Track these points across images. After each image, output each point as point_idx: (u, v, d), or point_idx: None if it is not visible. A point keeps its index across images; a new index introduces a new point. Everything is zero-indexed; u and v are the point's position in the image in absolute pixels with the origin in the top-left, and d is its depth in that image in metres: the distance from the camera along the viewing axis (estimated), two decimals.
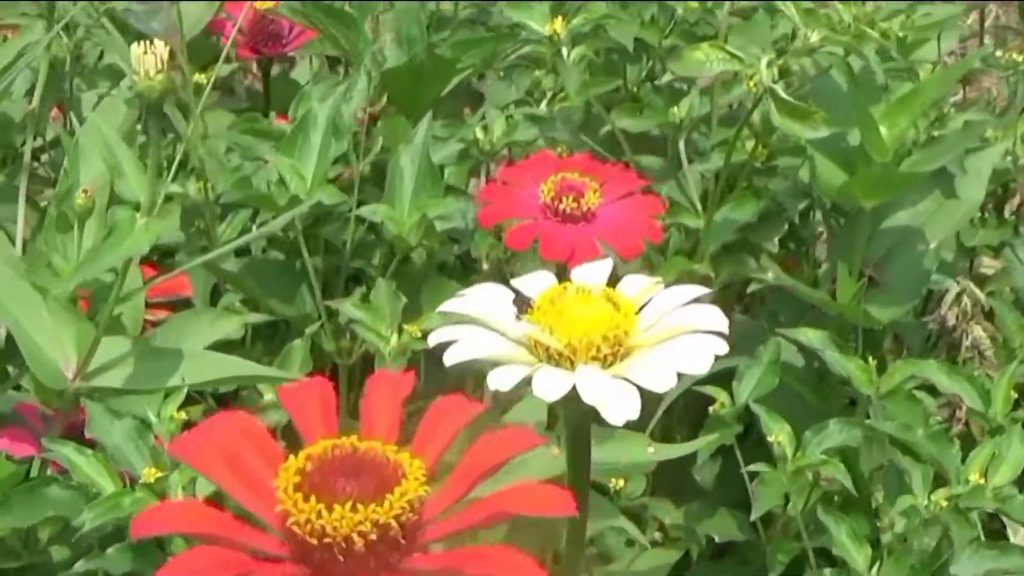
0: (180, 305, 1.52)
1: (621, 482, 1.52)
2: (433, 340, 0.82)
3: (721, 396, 1.45)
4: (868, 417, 1.45)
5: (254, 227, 1.54)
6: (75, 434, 1.17)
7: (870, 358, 1.46)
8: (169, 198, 1.53)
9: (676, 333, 0.83)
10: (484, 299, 0.86)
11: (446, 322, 0.83)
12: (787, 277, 1.62)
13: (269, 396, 1.29)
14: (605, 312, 0.83)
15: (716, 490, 1.69)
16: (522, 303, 0.84)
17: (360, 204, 1.52)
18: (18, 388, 1.26)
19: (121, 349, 1.22)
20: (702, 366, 0.80)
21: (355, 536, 0.65)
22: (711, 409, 1.45)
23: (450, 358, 0.81)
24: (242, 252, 1.59)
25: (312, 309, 1.46)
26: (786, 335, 1.52)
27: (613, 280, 0.88)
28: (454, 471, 0.68)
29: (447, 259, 1.60)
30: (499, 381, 0.78)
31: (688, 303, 0.85)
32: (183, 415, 1.15)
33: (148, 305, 1.50)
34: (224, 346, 1.45)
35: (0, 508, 1.09)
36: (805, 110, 1.43)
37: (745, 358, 1.47)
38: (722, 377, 1.42)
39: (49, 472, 1.21)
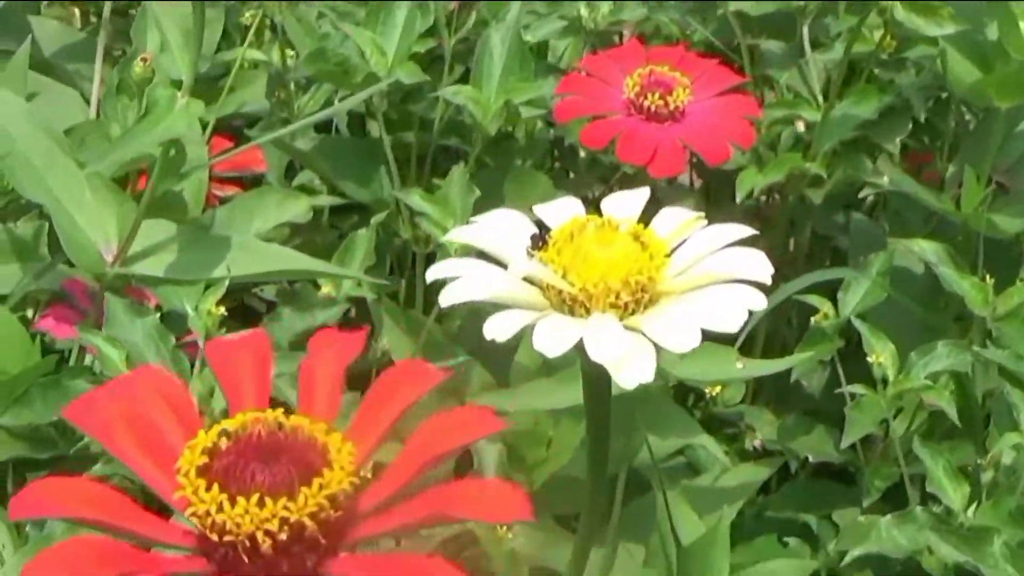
0: (253, 183, 1.43)
1: (717, 388, 1.42)
2: (431, 276, 0.72)
3: (825, 306, 1.34)
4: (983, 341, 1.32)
5: (336, 101, 1.43)
6: None
7: (987, 276, 1.33)
8: (254, 65, 1.44)
9: (710, 281, 0.72)
10: (500, 228, 0.76)
11: (448, 255, 0.73)
12: (907, 179, 1.48)
13: (326, 290, 1.20)
14: (630, 253, 0.72)
15: (822, 401, 1.57)
16: (539, 237, 0.73)
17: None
18: (70, 264, 1.18)
19: (166, 233, 1.14)
20: (733, 323, 0.69)
21: (260, 535, 0.56)
22: (813, 320, 1.34)
23: (446, 298, 0.71)
24: (324, 128, 1.49)
25: (390, 195, 1.37)
26: (900, 244, 1.39)
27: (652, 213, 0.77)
28: (396, 458, 0.59)
29: (540, 147, 1.49)
30: (496, 329, 0.68)
31: (729, 245, 0.74)
32: (222, 310, 1.06)
33: (221, 180, 1.42)
34: (294, 229, 1.37)
35: (21, 401, 1.03)
36: (931, 5, 1.29)
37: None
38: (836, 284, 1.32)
39: (88, 360, 1.14)
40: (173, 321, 1.09)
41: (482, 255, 0.74)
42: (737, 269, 0.71)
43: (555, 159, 1.56)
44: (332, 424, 0.58)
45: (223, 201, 1.35)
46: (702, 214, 0.76)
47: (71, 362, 1.13)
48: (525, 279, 0.72)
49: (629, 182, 1.31)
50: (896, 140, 1.51)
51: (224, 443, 0.58)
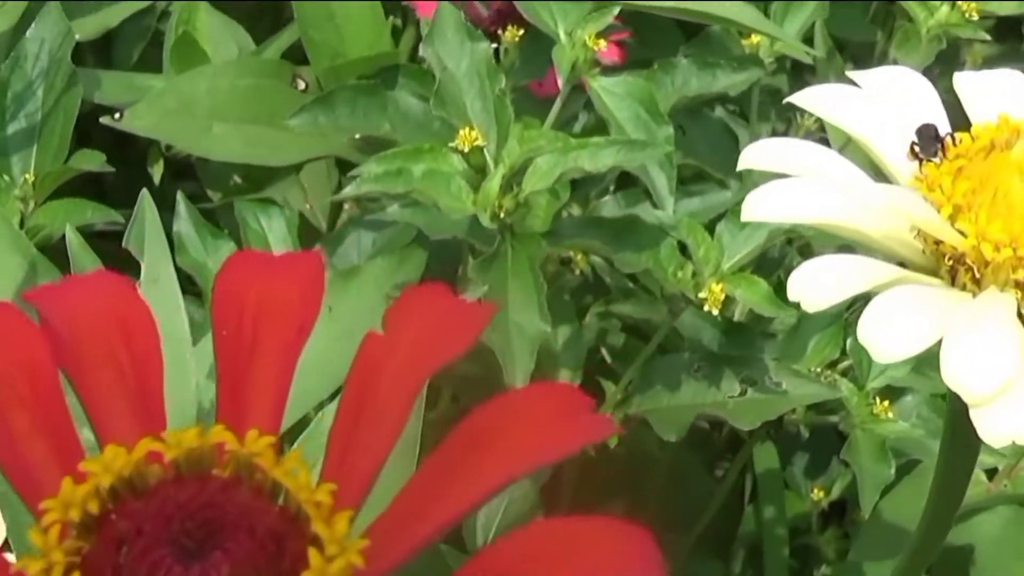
0: None
1: None
2: (745, 163, 0.44)
3: None
4: None
5: None
6: None
7: None
8: None
9: None
10: (878, 96, 0.46)
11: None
12: None
13: None
14: None
15: None
16: (933, 135, 0.43)
17: None
18: None
19: None
20: None
21: None
22: None
23: (749, 211, 0.42)
24: None
25: None
26: None
27: None
28: (415, 480, 0.32)
29: None
30: (806, 289, 0.40)
31: None
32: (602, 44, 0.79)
33: None
34: None
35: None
36: None
37: None
38: None
39: None
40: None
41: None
42: None
43: None
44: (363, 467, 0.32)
45: None
46: None
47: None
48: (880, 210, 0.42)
49: None
50: None
51: (105, 507, 0.31)
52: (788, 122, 0.94)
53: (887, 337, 0.39)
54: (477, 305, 0.34)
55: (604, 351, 0.90)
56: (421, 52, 0.72)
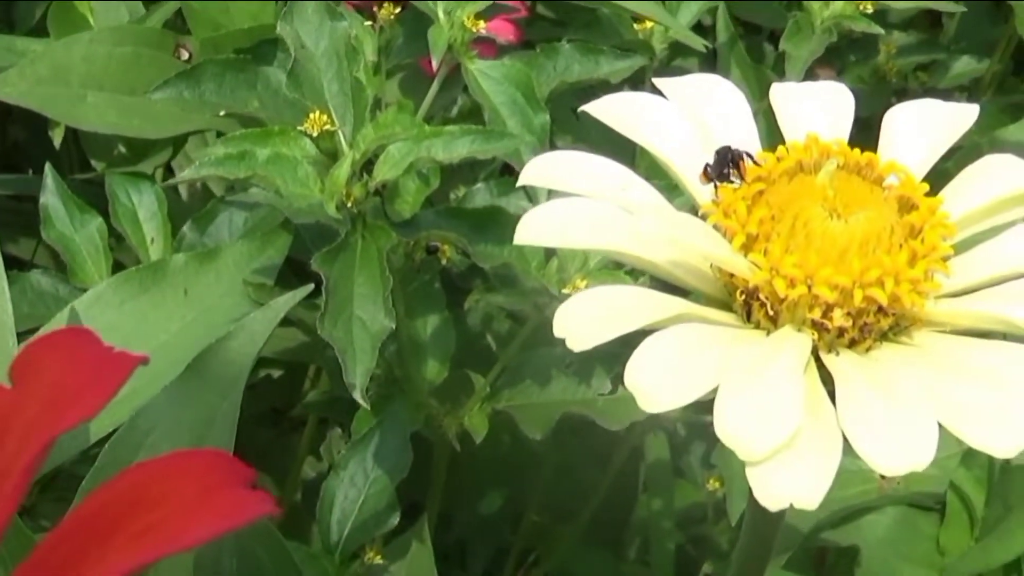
0: None
1: None
2: (526, 178, 0.38)
3: None
4: None
5: None
6: None
7: None
8: None
9: None
10: (664, 111, 0.40)
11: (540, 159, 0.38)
12: None
13: None
14: (883, 232, 0.36)
15: None
16: (729, 158, 0.38)
17: None
18: None
19: None
20: None
21: None
22: None
23: (522, 233, 0.37)
24: None
25: None
26: None
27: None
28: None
29: None
30: (571, 329, 0.34)
31: None
32: (481, 27, 0.73)
33: None
34: None
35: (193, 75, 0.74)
36: None
37: None
38: None
39: None
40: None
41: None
42: None
43: None
44: None
45: None
46: None
47: None
48: (674, 229, 0.36)
49: None
50: None
51: None
52: None
53: (654, 387, 0.33)
54: (122, 356, 0.29)
55: (489, 337, 0.85)
56: (279, 30, 0.66)
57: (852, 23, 0.76)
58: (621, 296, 0.34)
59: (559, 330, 0.34)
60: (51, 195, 0.77)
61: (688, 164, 0.38)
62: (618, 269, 0.68)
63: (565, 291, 0.66)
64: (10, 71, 0.79)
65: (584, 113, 0.90)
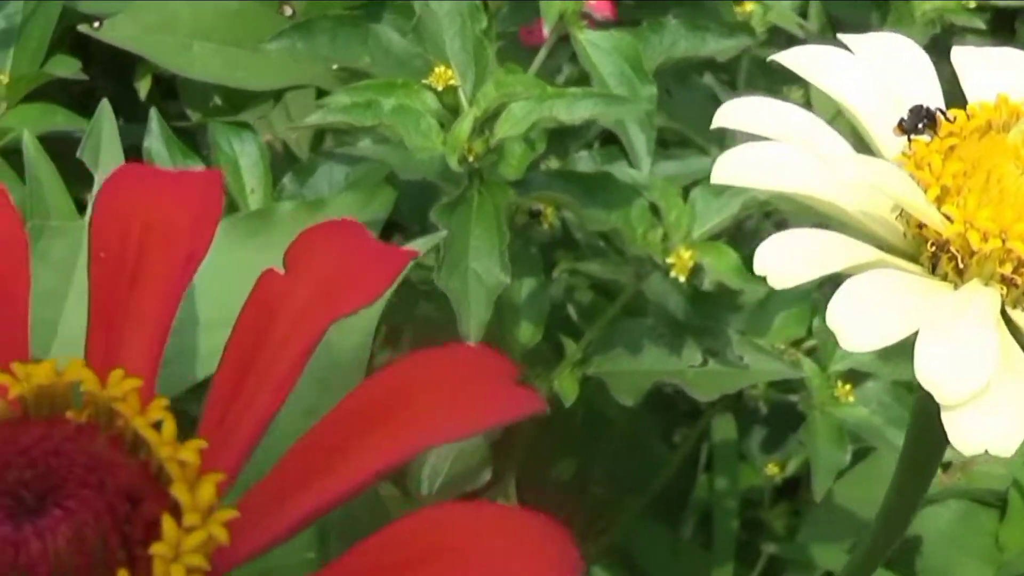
0: None
1: None
2: (721, 120, 0.38)
3: None
4: None
5: None
6: None
7: None
8: None
9: None
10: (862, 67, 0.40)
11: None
12: None
13: None
14: None
15: None
16: (924, 112, 0.38)
17: None
18: None
19: None
20: None
21: None
22: None
23: (718, 173, 0.37)
24: None
25: None
26: None
27: None
28: (299, 447, 0.26)
29: None
30: (772, 263, 0.34)
31: None
32: None
33: None
34: None
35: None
36: None
37: None
38: None
39: None
40: None
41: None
42: None
43: None
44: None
45: None
46: None
47: None
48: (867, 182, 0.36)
49: None
50: None
51: None
52: (775, 95, 0.88)
53: (857, 326, 0.33)
54: (395, 249, 0.28)
55: (570, 308, 0.85)
56: None
57: (954, 16, 0.76)
58: (823, 238, 0.34)
59: (760, 268, 0.34)
60: (155, 139, 0.76)
61: (875, 116, 0.38)
62: (720, 241, 0.68)
63: (669, 260, 0.66)
64: (119, 16, 0.80)
65: (676, 93, 0.89)
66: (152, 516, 0.25)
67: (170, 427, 0.26)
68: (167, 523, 0.25)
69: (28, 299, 0.29)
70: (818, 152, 0.36)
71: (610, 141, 0.81)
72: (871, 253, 0.35)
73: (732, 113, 0.38)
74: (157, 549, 0.24)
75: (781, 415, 0.92)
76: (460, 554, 0.25)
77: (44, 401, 0.26)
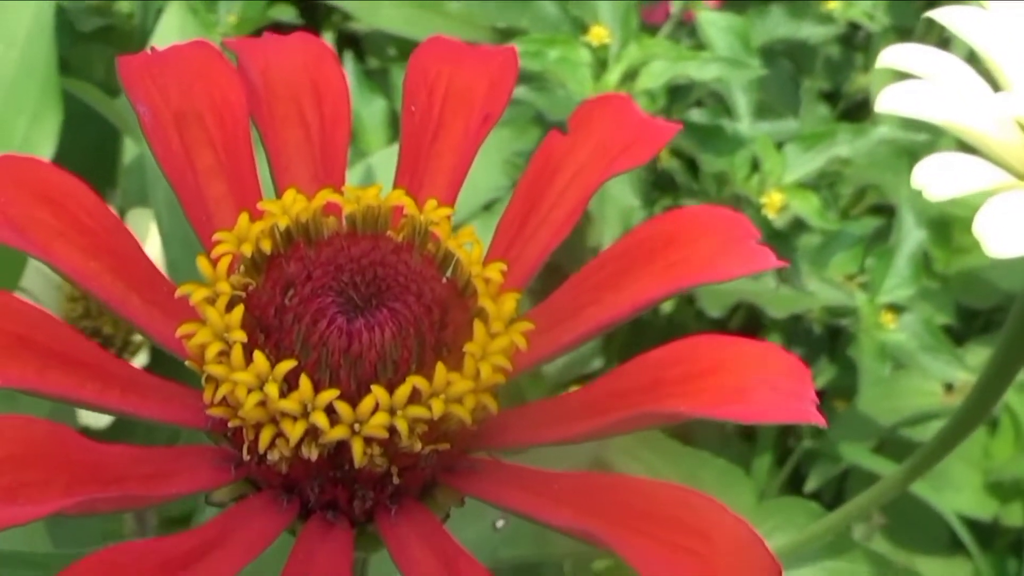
0: None
1: None
2: (886, 60, 0.35)
3: None
4: None
5: None
6: None
7: None
8: None
9: None
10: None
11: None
12: None
13: None
14: None
15: None
16: None
17: None
18: None
19: None
20: None
21: (358, 445, 0.22)
22: None
23: (883, 101, 0.34)
24: None
25: None
26: None
27: None
28: (576, 278, 0.24)
29: None
30: (931, 178, 0.32)
31: None
32: None
33: None
34: None
35: None
36: None
37: None
38: None
39: None
40: None
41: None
42: None
43: None
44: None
45: None
46: None
47: None
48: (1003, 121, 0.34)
49: None
50: None
51: (280, 251, 0.24)
52: (837, 85, 0.85)
53: (1001, 234, 0.30)
54: (661, 122, 0.26)
55: None
56: None
57: None
58: (970, 163, 0.32)
59: (918, 181, 0.31)
60: (349, 75, 0.75)
61: (1014, 66, 0.35)
62: (805, 188, 0.65)
63: (763, 200, 0.64)
64: None
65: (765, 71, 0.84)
66: (461, 323, 0.23)
67: (478, 250, 0.24)
68: (478, 327, 0.23)
69: (348, 139, 0.27)
70: (971, 91, 0.33)
71: (702, 104, 0.79)
72: (1011, 178, 0.32)
73: (895, 55, 0.35)
74: (469, 348, 0.22)
75: (814, 338, 0.89)
76: (738, 372, 0.23)
77: (370, 220, 0.24)
